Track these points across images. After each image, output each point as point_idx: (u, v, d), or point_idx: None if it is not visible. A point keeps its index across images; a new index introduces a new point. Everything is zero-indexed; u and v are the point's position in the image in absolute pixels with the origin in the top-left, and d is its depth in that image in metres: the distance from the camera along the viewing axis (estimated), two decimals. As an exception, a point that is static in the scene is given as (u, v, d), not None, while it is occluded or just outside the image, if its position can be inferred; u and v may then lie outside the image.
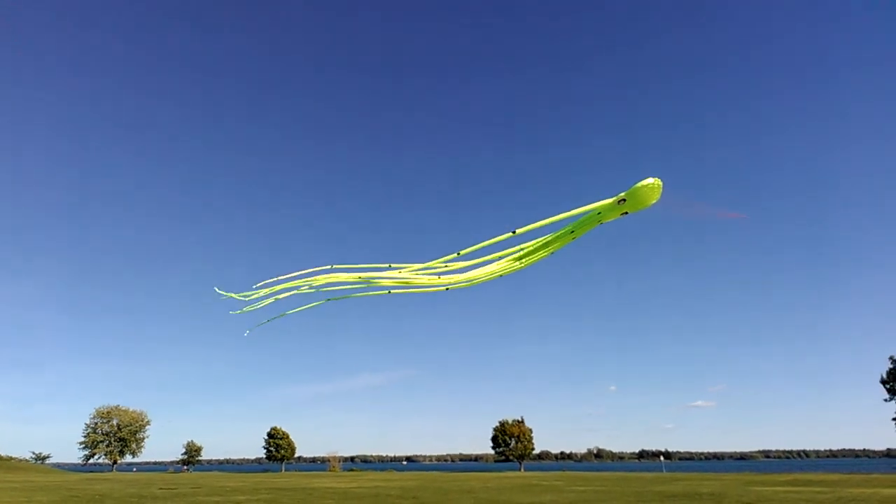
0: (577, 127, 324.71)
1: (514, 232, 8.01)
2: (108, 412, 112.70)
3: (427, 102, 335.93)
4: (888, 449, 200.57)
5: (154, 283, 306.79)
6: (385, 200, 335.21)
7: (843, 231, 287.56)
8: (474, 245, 8.28)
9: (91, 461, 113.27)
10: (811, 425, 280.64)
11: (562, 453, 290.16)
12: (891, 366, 76.11)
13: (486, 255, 8.49)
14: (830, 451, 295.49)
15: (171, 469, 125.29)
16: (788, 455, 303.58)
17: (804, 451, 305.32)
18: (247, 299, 9.91)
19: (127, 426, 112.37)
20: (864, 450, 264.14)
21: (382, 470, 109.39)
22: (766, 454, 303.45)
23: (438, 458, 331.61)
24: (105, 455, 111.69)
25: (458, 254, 8.42)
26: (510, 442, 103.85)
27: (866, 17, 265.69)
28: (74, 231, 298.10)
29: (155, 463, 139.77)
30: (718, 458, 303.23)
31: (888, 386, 76.01)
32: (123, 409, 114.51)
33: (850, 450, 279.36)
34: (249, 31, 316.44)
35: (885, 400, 76.23)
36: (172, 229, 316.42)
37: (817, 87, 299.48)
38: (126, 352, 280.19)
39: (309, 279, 9.37)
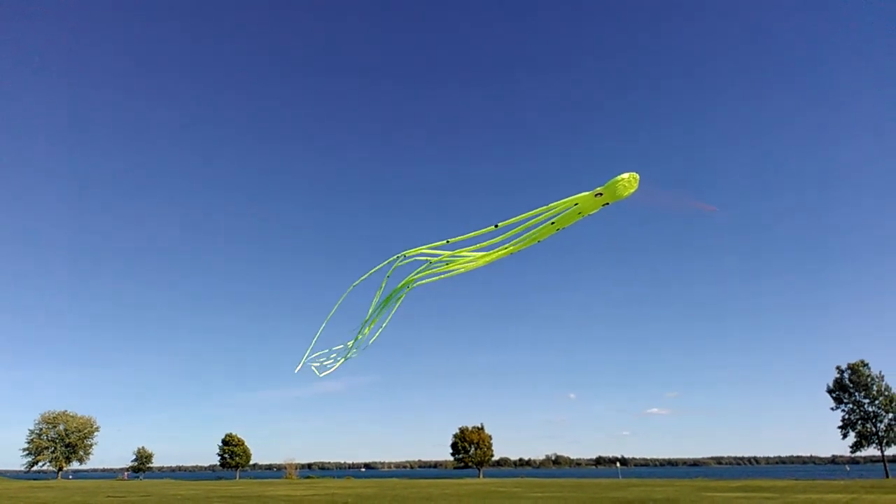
0: (562, 129, 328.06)
1: (496, 225, 8.25)
2: (54, 418, 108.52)
3: (411, 108, 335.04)
4: (833, 456, 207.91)
5: (103, 285, 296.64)
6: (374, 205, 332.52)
7: (792, 243, 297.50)
8: (462, 236, 8.66)
9: (35, 468, 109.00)
10: (761, 433, 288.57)
11: (520, 460, 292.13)
12: (837, 376, 79.07)
13: (472, 245, 8.86)
14: (779, 457, 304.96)
15: (120, 476, 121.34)
16: (739, 462, 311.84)
17: (755, 458, 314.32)
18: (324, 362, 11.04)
19: (75, 432, 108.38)
20: (811, 456, 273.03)
21: (340, 477, 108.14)
22: (719, 461, 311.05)
23: (398, 465, 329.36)
24: (50, 462, 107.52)
25: (447, 241, 8.73)
26: (470, 449, 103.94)
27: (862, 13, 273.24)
28: (18, 230, 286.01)
29: (103, 470, 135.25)
30: (673, 465, 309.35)
31: (834, 395, 78.93)
32: (71, 414, 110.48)
33: (797, 456, 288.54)
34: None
35: (832, 408, 79.25)
36: (122, 231, 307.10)
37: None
38: (73, 355, 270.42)
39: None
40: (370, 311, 9.63)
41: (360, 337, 9.95)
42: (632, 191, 7.69)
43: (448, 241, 8.76)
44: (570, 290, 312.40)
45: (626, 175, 7.55)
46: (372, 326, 9.89)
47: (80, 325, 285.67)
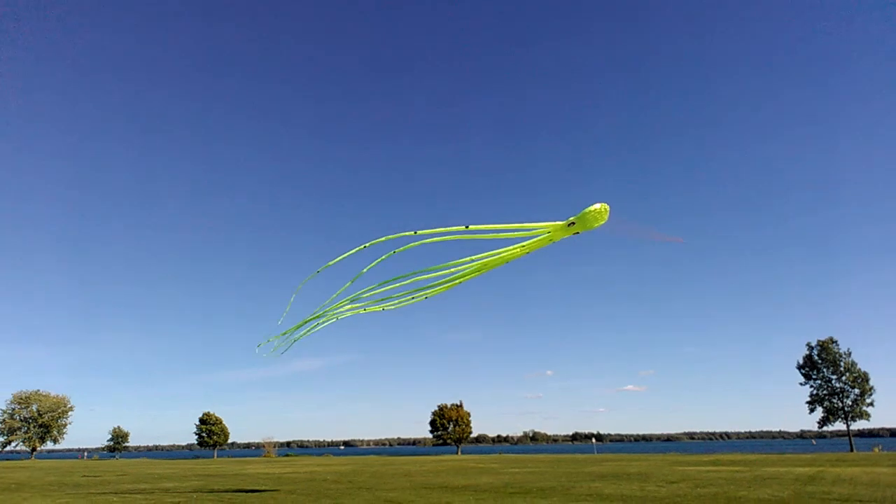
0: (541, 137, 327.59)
1: (466, 226, 8.32)
2: (26, 397, 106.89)
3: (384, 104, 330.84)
4: (802, 430, 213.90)
5: (77, 262, 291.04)
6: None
7: (765, 223, 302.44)
8: (432, 229, 8.63)
9: (7, 449, 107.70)
10: (732, 409, 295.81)
11: (498, 436, 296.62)
12: (807, 352, 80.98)
13: (438, 238, 8.89)
14: (750, 432, 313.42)
15: (82, 456, 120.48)
16: (711, 437, 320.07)
17: (726, 433, 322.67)
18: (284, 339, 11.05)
19: (48, 412, 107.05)
20: (781, 431, 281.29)
21: (319, 455, 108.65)
22: (691, 436, 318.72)
23: (377, 443, 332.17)
24: (23, 442, 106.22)
25: (415, 233, 8.78)
26: (448, 426, 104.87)
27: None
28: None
29: (78, 450, 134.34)
30: (647, 440, 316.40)
31: (804, 371, 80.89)
32: (44, 393, 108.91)
33: (767, 431, 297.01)
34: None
35: (801, 384, 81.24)
36: (97, 209, 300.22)
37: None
38: (46, 333, 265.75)
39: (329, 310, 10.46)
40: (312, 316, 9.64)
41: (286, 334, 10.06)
42: (602, 222, 7.96)
43: (416, 233, 8.74)
44: (548, 269, 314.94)
45: (597, 206, 7.78)
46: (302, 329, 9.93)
47: (53, 302, 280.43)
